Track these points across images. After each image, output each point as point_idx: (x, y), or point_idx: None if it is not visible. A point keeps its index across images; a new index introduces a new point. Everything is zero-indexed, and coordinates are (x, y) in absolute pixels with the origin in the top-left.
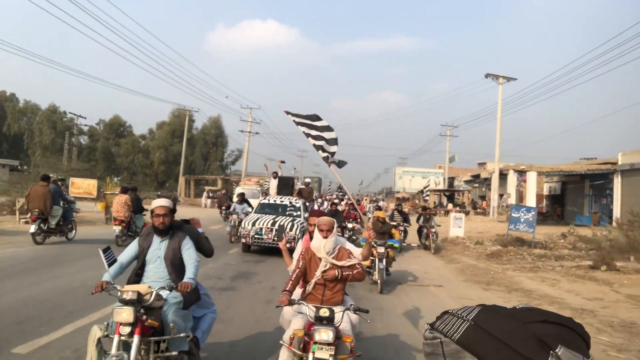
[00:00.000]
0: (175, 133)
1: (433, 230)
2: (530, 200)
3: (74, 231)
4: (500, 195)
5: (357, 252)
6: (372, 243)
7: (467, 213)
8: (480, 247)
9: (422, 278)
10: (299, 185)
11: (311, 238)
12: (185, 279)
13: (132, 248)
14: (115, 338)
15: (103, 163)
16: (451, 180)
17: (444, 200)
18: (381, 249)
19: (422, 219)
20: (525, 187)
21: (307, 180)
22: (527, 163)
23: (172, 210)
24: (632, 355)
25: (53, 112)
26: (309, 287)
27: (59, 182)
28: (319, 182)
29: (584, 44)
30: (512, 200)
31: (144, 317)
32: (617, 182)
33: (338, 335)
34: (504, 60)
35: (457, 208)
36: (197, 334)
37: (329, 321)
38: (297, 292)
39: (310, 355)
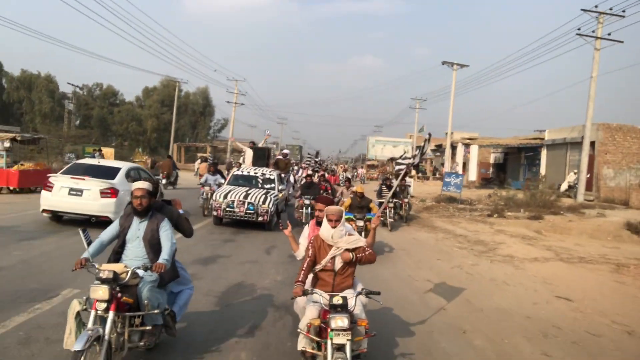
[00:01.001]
0: (164, 102)
1: (406, 200)
2: (472, 168)
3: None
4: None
5: (362, 240)
6: (352, 217)
7: (427, 178)
8: (422, 204)
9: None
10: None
11: (317, 223)
12: (160, 260)
13: (113, 227)
14: (92, 313)
15: (98, 130)
16: (421, 148)
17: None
18: (360, 223)
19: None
20: (469, 157)
21: (286, 151)
22: (484, 136)
23: (152, 193)
24: (471, 245)
25: (50, 82)
26: (317, 268)
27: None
28: (300, 150)
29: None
30: (460, 168)
31: (119, 294)
32: (544, 154)
33: (353, 320)
34: (482, 24)
35: (420, 174)
36: (174, 308)
37: (343, 308)
38: (308, 281)
39: (329, 342)
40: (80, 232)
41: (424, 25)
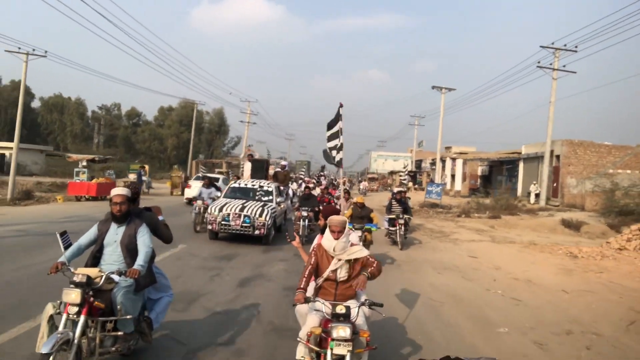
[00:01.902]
0: (183, 122)
1: (401, 220)
2: (458, 179)
3: None
4: (454, 176)
5: (365, 250)
6: (350, 227)
7: (422, 189)
8: None
9: None
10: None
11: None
12: (135, 266)
13: (92, 232)
14: (64, 317)
15: (122, 148)
16: (419, 162)
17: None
18: (358, 233)
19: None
20: (455, 170)
21: (284, 163)
22: (481, 149)
23: (130, 199)
24: (433, 234)
25: (80, 104)
26: (320, 281)
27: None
28: (308, 165)
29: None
30: (448, 180)
31: (92, 298)
32: (521, 166)
33: (355, 331)
34: (485, 37)
35: (416, 186)
36: (151, 315)
37: (345, 318)
38: (310, 287)
39: (329, 352)
40: (58, 235)
41: (428, 40)
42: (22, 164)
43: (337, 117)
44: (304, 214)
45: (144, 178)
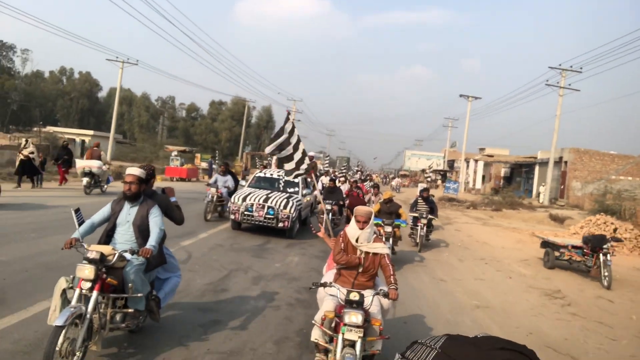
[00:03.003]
0: (234, 117)
1: (425, 220)
2: (478, 179)
3: None
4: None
5: (386, 248)
6: (380, 222)
7: None
8: None
9: None
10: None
11: (348, 221)
12: (147, 245)
13: (105, 210)
14: (77, 291)
15: (182, 139)
16: (452, 162)
17: (439, 177)
18: (388, 229)
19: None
20: (477, 170)
21: (312, 153)
22: (507, 152)
23: (143, 180)
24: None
25: (146, 99)
26: (343, 271)
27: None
28: (348, 161)
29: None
30: (470, 179)
31: (105, 275)
32: (536, 170)
33: (367, 319)
34: (534, 36)
35: (446, 183)
36: (159, 294)
37: (358, 305)
38: (330, 275)
39: (340, 336)
40: (72, 212)
41: (475, 38)
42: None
43: (289, 129)
44: (328, 207)
45: (214, 166)
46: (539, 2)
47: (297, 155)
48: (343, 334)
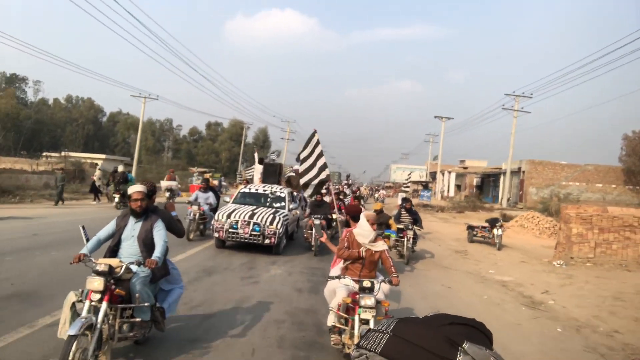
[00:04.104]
0: (232, 137)
1: (410, 232)
2: (451, 188)
3: None
4: (458, 185)
5: (384, 245)
6: None
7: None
8: None
9: None
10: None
11: (347, 225)
12: (153, 257)
13: (110, 226)
14: (87, 303)
15: (185, 160)
16: (434, 173)
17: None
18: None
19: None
20: (450, 181)
21: (297, 167)
22: (485, 163)
23: (148, 195)
24: None
25: (152, 124)
26: (347, 263)
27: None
28: (339, 176)
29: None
30: (445, 189)
31: (113, 286)
32: (501, 179)
33: (378, 300)
34: (517, 51)
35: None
36: (164, 305)
37: (370, 290)
38: (337, 270)
39: (357, 317)
40: (81, 228)
41: (460, 50)
42: (108, 171)
43: (313, 145)
44: (316, 222)
45: (223, 183)
46: (513, 22)
47: (314, 171)
48: (359, 314)
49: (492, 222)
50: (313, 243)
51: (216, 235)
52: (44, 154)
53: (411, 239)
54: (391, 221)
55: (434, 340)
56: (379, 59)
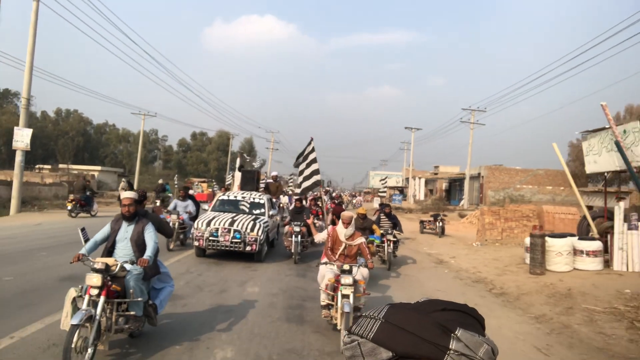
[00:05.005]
0: (219, 147)
1: (390, 236)
2: (421, 192)
3: None
4: (431, 190)
5: (362, 239)
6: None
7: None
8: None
9: None
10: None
11: (332, 223)
12: (145, 256)
13: (105, 229)
14: (86, 297)
15: (175, 170)
16: (408, 179)
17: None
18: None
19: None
20: (420, 186)
21: (275, 173)
22: (457, 168)
23: (137, 201)
24: None
25: (145, 136)
26: (335, 256)
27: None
28: (323, 184)
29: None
30: (417, 193)
31: (110, 283)
32: (466, 183)
33: (355, 281)
34: (497, 56)
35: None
36: (155, 301)
37: (349, 272)
38: (326, 259)
39: (339, 293)
40: (79, 230)
41: (438, 56)
42: (103, 181)
43: (308, 151)
44: (296, 229)
45: (218, 192)
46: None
47: (308, 171)
48: (341, 291)
49: (435, 216)
50: (293, 250)
51: (196, 243)
52: (37, 166)
53: (392, 244)
54: (374, 226)
55: (426, 326)
56: (360, 65)
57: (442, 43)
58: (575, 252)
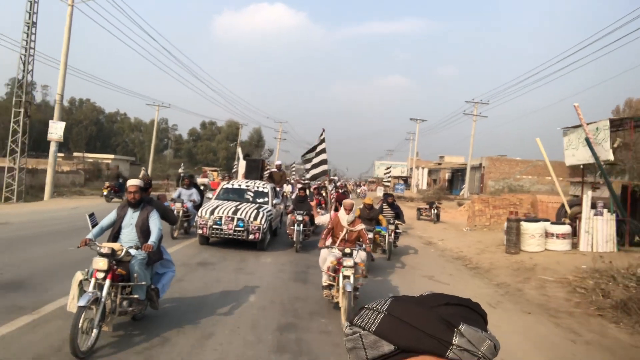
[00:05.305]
0: (229, 137)
1: (392, 226)
2: (424, 182)
3: None
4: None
5: (362, 225)
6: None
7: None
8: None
9: None
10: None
11: (335, 209)
12: (149, 242)
13: (112, 215)
14: (92, 280)
15: (186, 159)
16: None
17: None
18: (370, 235)
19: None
20: (422, 176)
21: (279, 162)
22: (462, 158)
23: (143, 189)
24: None
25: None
26: (338, 241)
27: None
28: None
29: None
30: (420, 182)
31: (115, 267)
32: (467, 173)
33: (355, 263)
34: (506, 44)
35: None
36: (158, 285)
37: (350, 255)
38: (328, 242)
39: (341, 275)
40: (87, 216)
41: (449, 45)
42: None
43: (318, 142)
44: (299, 217)
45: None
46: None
47: (317, 160)
48: (342, 272)
49: (430, 204)
50: (295, 239)
51: (200, 231)
52: (79, 155)
53: (392, 234)
54: (381, 217)
55: (430, 321)
56: (368, 53)
57: (454, 31)
58: (547, 234)
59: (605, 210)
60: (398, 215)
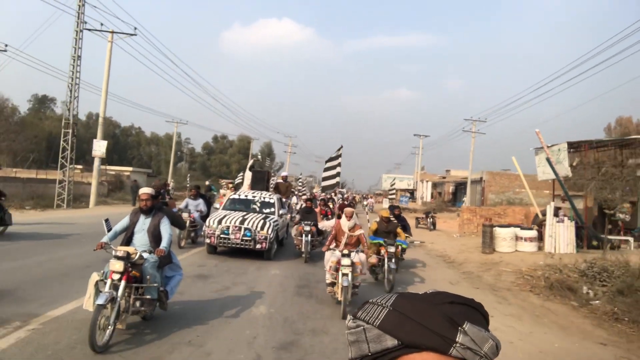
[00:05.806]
0: (240, 151)
1: (392, 250)
2: (427, 194)
3: None
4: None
5: (362, 230)
6: (382, 242)
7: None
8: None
9: None
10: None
11: (338, 217)
12: (161, 246)
13: (125, 221)
14: (108, 281)
15: (200, 171)
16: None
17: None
18: (391, 249)
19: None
20: (427, 189)
21: (285, 174)
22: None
23: (154, 196)
24: None
25: (169, 139)
26: (341, 246)
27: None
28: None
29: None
30: (425, 195)
31: (130, 269)
32: (468, 187)
33: (352, 262)
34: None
35: (400, 197)
36: (167, 288)
37: (348, 256)
38: (332, 247)
39: (340, 273)
40: (103, 221)
41: (456, 58)
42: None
43: (337, 155)
44: (307, 228)
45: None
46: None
47: (333, 172)
48: (341, 270)
49: (427, 213)
50: (304, 249)
51: (208, 241)
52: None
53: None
54: (399, 230)
55: (434, 317)
56: (375, 67)
57: (460, 45)
58: (517, 238)
59: (565, 218)
60: (405, 227)
